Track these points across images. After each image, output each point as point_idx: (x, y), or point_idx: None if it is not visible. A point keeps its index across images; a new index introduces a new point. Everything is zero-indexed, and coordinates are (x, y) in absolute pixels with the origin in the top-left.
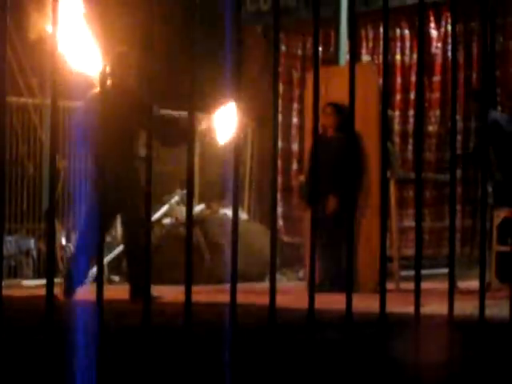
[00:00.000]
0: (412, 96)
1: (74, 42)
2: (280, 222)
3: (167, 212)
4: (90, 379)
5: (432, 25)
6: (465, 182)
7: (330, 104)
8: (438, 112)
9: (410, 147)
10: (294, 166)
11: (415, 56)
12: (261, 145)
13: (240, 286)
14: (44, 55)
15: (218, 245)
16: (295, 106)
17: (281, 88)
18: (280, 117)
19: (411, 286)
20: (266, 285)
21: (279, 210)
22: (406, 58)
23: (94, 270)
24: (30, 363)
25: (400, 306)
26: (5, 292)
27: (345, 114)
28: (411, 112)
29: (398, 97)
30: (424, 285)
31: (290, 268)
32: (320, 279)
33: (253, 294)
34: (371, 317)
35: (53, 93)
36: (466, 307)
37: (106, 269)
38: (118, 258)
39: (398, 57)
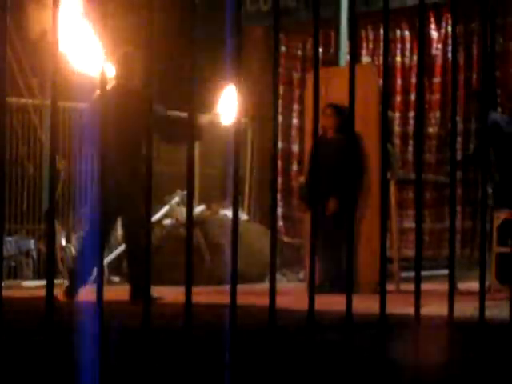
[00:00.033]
0: (412, 97)
1: (75, 42)
2: (280, 223)
3: (167, 213)
4: (90, 380)
5: (432, 26)
6: (465, 184)
7: (330, 105)
8: (438, 113)
9: (411, 148)
10: (294, 166)
11: (415, 57)
12: (261, 145)
13: (240, 286)
14: (44, 55)
15: (219, 246)
16: (295, 106)
17: (281, 89)
18: (280, 117)
19: (411, 287)
20: (265, 286)
21: (279, 210)
22: (407, 60)
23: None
24: (30, 364)
25: (400, 307)
26: (5, 293)
27: (345, 115)
28: (411, 113)
29: (398, 98)
30: (424, 286)
31: (290, 269)
32: (320, 280)
33: (253, 295)
34: (371, 318)
35: (53, 93)
36: (466, 308)
37: (106, 269)
38: (118, 259)
39: (399, 58)
